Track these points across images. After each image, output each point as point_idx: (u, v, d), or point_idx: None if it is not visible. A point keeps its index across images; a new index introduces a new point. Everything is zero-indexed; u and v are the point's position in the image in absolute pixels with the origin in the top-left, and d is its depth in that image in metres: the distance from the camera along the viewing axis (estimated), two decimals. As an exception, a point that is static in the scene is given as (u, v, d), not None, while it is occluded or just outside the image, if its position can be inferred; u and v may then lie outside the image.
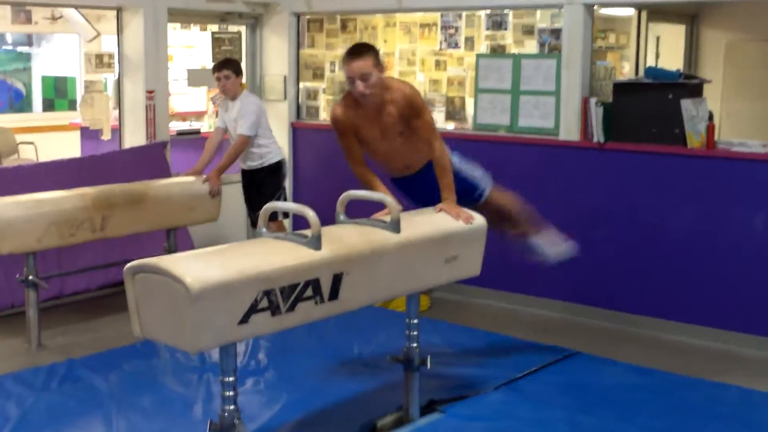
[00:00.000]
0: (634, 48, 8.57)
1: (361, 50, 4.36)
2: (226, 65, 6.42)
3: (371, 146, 4.58)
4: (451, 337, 5.64)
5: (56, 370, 5.00)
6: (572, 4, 6.21)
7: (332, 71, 7.81)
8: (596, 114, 6.09)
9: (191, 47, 9.67)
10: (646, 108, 5.98)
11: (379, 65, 4.36)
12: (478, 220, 4.43)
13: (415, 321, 4.30)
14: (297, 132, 7.79)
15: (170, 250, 6.12)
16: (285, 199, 6.67)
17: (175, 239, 6.27)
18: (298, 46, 7.83)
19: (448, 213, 4.33)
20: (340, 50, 7.74)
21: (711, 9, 9.03)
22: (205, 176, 6.29)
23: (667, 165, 5.88)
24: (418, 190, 4.76)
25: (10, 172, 6.31)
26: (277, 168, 6.58)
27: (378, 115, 4.46)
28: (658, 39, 8.93)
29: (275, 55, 7.85)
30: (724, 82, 8.68)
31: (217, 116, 6.85)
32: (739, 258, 5.68)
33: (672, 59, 8.74)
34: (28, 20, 11.50)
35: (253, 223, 6.63)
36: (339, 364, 5.20)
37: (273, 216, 6.37)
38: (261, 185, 6.51)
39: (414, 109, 4.44)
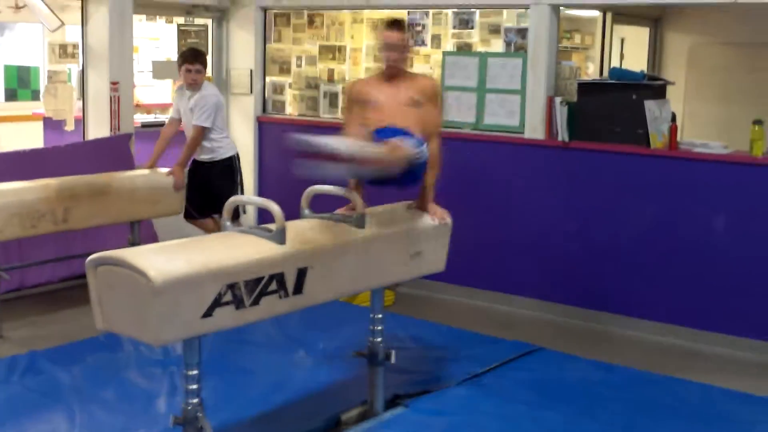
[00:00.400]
0: (599, 49, 8.63)
1: (397, 25, 4.50)
2: (199, 59, 6.34)
3: (372, 105, 4.45)
4: (415, 332, 5.66)
5: (18, 362, 4.95)
6: (538, 4, 6.25)
7: (299, 66, 7.79)
8: (561, 113, 6.15)
9: (157, 39, 9.59)
10: (610, 108, 6.04)
11: (407, 46, 4.52)
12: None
13: (380, 316, 4.32)
14: (263, 126, 7.77)
15: (134, 243, 6.08)
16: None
17: (139, 232, 6.23)
18: (265, 40, 7.81)
19: (425, 212, 4.37)
20: (307, 45, 7.74)
21: (674, 12, 9.13)
22: (168, 169, 6.25)
23: (631, 164, 5.95)
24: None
25: (-28, 163, 6.23)
26: (229, 164, 6.50)
27: (392, 85, 4.47)
28: (622, 41, 9.01)
29: (242, 48, 7.82)
30: (686, 84, 8.77)
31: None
32: (700, 256, 5.76)
33: (636, 61, 8.83)
34: (-9, 9, 11.33)
35: (186, 215, 6.54)
36: (303, 358, 5.20)
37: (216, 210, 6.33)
38: (210, 180, 6.42)
39: (430, 96, 4.46)
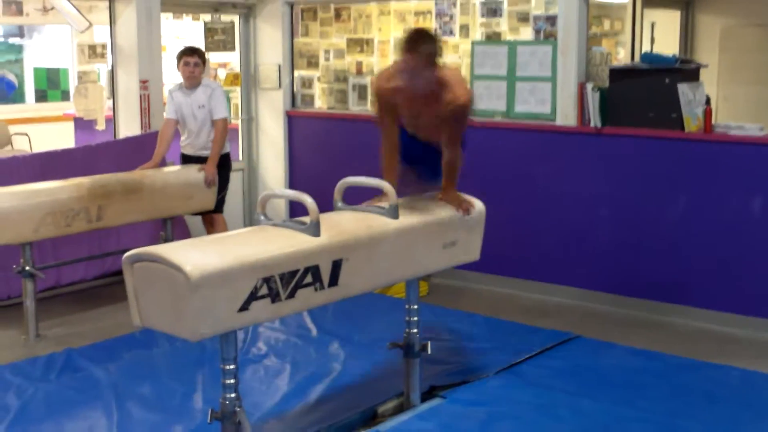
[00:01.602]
0: (629, 34, 8.53)
1: (414, 44, 4.06)
2: (197, 53, 6.41)
3: (406, 117, 4.35)
4: (450, 323, 5.63)
5: (55, 360, 4.98)
6: (567, -10, 6.19)
7: (326, 59, 7.78)
8: (593, 99, 6.08)
9: (183, 37, 9.61)
10: (643, 93, 5.97)
11: (431, 61, 4.07)
12: (477, 206, 4.41)
13: (415, 307, 4.29)
14: (292, 120, 7.76)
15: (167, 239, 6.11)
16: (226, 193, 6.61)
17: (172, 228, 6.25)
18: (292, 34, 7.80)
19: (449, 203, 4.29)
20: (335, 39, 7.72)
21: (706, -6, 9.04)
22: (200, 166, 6.27)
23: (665, 149, 5.88)
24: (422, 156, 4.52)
25: (5, 163, 6.27)
26: (226, 160, 6.54)
27: (418, 101, 4.20)
28: (653, 25, 8.91)
29: (269, 44, 7.81)
30: (719, 66, 8.66)
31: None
32: (738, 241, 5.67)
33: (667, 45, 8.72)
34: (19, 12, 11.42)
35: None
36: (339, 350, 5.19)
37: (215, 207, 6.36)
38: None
39: (454, 117, 4.19)
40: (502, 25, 7.06)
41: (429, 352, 4.30)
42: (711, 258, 5.77)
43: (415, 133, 4.43)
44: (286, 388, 4.64)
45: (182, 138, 6.57)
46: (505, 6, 6.96)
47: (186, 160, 6.52)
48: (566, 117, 6.25)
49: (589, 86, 6.10)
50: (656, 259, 5.96)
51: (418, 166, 4.54)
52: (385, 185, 4.02)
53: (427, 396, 4.47)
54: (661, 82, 5.88)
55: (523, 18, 6.91)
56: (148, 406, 4.42)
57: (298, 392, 4.58)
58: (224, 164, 6.47)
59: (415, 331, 4.29)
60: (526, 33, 6.84)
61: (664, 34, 9.02)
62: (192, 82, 6.35)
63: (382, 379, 4.73)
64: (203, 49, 7.38)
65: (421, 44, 4.05)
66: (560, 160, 6.31)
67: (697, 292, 5.83)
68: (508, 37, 6.97)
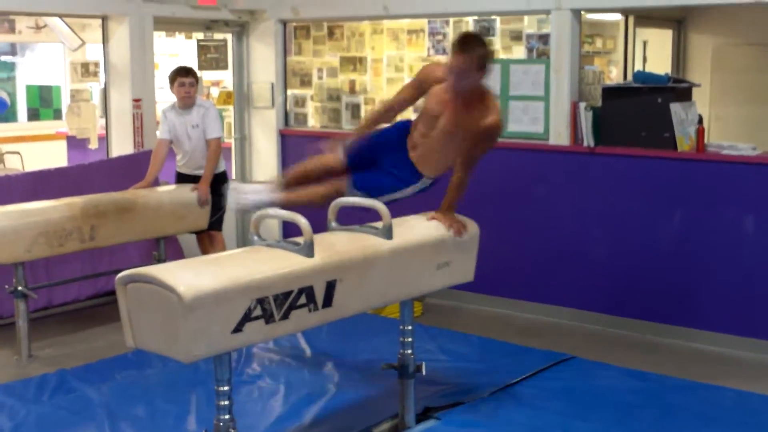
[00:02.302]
0: (622, 53, 8.58)
1: (465, 46, 4.10)
2: (191, 73, 6.42)
3: (426, 114, 4.34)
4: (444, 343, 5.61)
5: (47, 381, 4.95)
6: (560, 9, 6.21)
7: (320, 78, 7.79)
8: (586, 118, 6.09)
9: (176, 55, 9.62)
10: (636, 112, 5.98)
11: (481, 65, 4.10)
12: (471, 227, 4.41)
13: (410, 327, 4.28)
14: (285, 139, 7.76)
15: (160, 259, 6.09)
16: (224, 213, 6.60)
17: (165, 248, 6.23)
18: (285, 53, 7.81)
19: (441, 222, 4.27)
20: (328, 57, 7.73)
21: (698, 13, 9.06)
22: (193, 185, 6.25)
23: (658, 168, 5.89)
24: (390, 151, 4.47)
25: (-3, 182, 6.25)
26: (223, 179, 6.55)
27: (454, 102, 4.20)
28: (645, 44, 8.95)
29: (262, 62, 7.82)
30: (711, 85, 8.70)
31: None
32: (732, 260, 5.68)
33: (659, 64, 8.76)
34: (12, 29, 11.42)
35: None
36: (333, 371, 5.16)
37: (212, 225, 6.35)
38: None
39: (484, 137, 4.21)
40: (495, 44, 7.08)
41: (424, 373, 4.27)
42: (705, 278, 5.77)
43: (419, 136, 4.37)
44: (280, 409, 4.62)
45: (178, 157, 6.56)
46: (498, 24, 6.99)
47: (182, 179, 6.51)
48: (559, 136, 6.26)
49: (582, 105, 6.12)
50: (650, 280, 5.95)
51: (369, 167, 4.45)
52: (378, 205, 4.01)
53: (421, 417, 4.45)
54: (654, 101, 5.90)
55: (516, 36, 6.93)
56: (142, 428, 4.39)
57: (292, 414, 4.56)
58: (222, 182, 6.47)
59: (409, 351, 4.28)
60: (519, 51, 6.86)
61: (656, 53, 9.07)
62: (187, 102, 6.35)
63: (377, 401, 4.71)
64: (196, 67, 7.39)
65: (473, 47, 4.08)
66: (553, 179, 6.32)
67: (692, 313, 5.82)
68: (501, 55, 6.99)
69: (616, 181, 6.06)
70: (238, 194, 4.41)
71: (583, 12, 6.34)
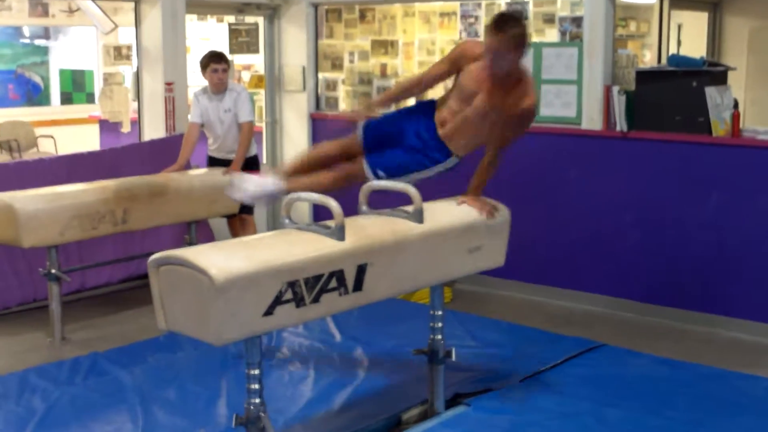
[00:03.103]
0: (656, 36, 8.46)
1: (502, 26, 4.02)
2: (224, 59, 6.42)
3: (459, 93, 4.23)
4: (474, 330, 5.59)
5: (80, 363, 4.99)
6: (594, -8, 6.14)
7: (351, 62, 7.77)
8: (619, 102, 6.03)
9: (208, 39, 9.64)
10: (670, 96, 5.91)
11: (519, 45, 4.04)
12: (502, 211, 4.38)
13: (440, 313, 4.27)
14: (316, 123, 7.75)
15: (191, 243, 6.11)
16: None
17: (196, 232, 6.25)
18: (317, 36, 7.79)
19: (472, 206, 4.23)
20: (359, 40, 7.70)
21: (733, -5, 8.94)
22: (225, 169, 6.27)
23: (692, 153, 5.82)
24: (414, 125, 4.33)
25: (31, 166, 6.31)
26: (254, 161, 6.57)
27: (490, 82, 4.12)
28: (680, 27, 8.84)
29: (294, 45, 7.81)
30: (747, 69, 8.57)
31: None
32: (765, 247, 5.60)
33: (694, 47, 8.64)
34: (45, 13, 11.50)
35: None
36: (362, 356, 5.17)
37: (243, 209, 6.34)
38: None
39: (520, 119, 4.16)
40: (528, 27, 7.02)
41: (453, 358, 4.26)
42: (739, 265, 5.70)
43: (450, 113, 4.25)
44: (309, 393, 4.63)
45: (209, 141, 6.58)
46: (531, 7, 6.94)
47: (213, 162, 6.54)
48: (592, 120, 6.20)
49: (615, 89, 6.05)
50: (683, 267, 5.89)
51: (389, 145, 4.31)
52: (410, 189, 3.98)
53: (451, 403, 4.44)
54: (688, 85, 5.82)
55: (549, 19, 6.88)
56: (173, 411, 4.42)
57: (321, 398, 4.56)
58: (253, 165, 6.48)
59: (439, 337, 4.26)
60: (552, 35, 6.81)
61: (691, 36, 8.94)
62: (219, 87, 6.36)
63: (406, 386, 4.71)
64: (227, 51, 7.39)
65: (509, 27, 4.01)
66: (586, 164, 6.26)
67: (725, 301, 5.76)
68: (534, 38, 6.94)
69: (650, 166, 5.99)
70: (237, 188, 4.20)
71: (617, -5, 6.26)
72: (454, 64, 4.28)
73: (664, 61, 7.91)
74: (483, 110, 4.17)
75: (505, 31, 4.01)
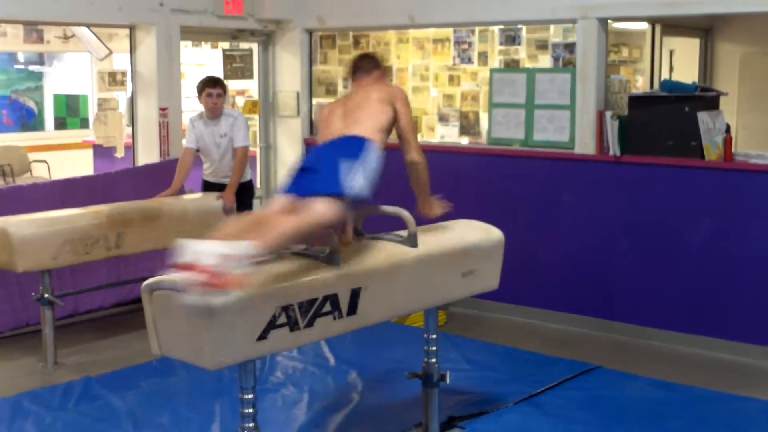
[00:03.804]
0: (648, 62, 8.52)
1: (369, 67, 4.29)
2: (219, 84, 6.43)
3: (332, 115, 4.08)
4: (468, 352, 5.59)
5: (73, 388, 4.97)
6: (586, 18, 6.19)
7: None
8: (612, 127, 6.06)
9: (202, 65, 9.68)
10: (663, 121, 5.94)
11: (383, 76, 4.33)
12: (496, 233, 4.39)
13: (434, 336, 4.26)
14: (310, 148, 7.77)
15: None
16: None
17: (190, 256, 6.23)
18: (311, 62, 7.83)
19: (430, 215, 4.18)
20: (353, 66, 7.72)
21: (725, 22, 8.99)
22: (219, 194, 6.27)
23: (685, 178, 5.84)
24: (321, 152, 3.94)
25: (25, 191, 6.30)
26: (249, 186, 6.59)
27: (355, 98, 4.13)
28: (671, 52, 8.90)
29: (288, 71, 7.84)
30: (739, 94, 8.62)
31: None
32: (759, 271, 5.62)
33: (686, 73, 8.70)
34: (40, 39, 11.55)
35: None
36: (357, 380, 5.15)
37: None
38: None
39: (397, 101, 4.10)
40: (521, 53, 7.08)
41: (448, 381, 4.26)
42: (732, 288, 5.71)
43: (338, 119, 4.03)
44: (304, 417, 4.62)
45: (205, 166, 6.59)
46: (524, 33, 6.99)
47: (208, 187, 6.54)
48: (585, 145, 6.23)
49: (608, 114, 6.09)
50: (677, 290, 5.90)
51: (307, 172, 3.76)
52: (404, 213, 3.99)
53: (446, 426, 4.43)
54: (681, 110, 5.86)
55: (542, 45, 6.93)
56: (166, 435, 4.40)
57: (316, 422, 4.55)
58: (248, 190, 6.50)
59: (434, 360, 4.26)
60: (545, 60, 6.86)
61: (683, 62, 9.01)
62: (214, 112, 6.37)
63: (401, 409, 4.70)
64: (222, 76, 7.42)
65: (364, 64, 4.30)
66: (579, 188, 6.29)
67: (719, 323, 5.76)
68: (527, 64, 6.99)
69: (643, 190, 6.02)
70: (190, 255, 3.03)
71: (609, 21, 6.31)
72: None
73: (656, 86, 7.97)
74: (360, 101, 4.11)
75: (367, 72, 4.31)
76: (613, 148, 6.07)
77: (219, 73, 7.94)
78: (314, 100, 7.86)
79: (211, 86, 6.39)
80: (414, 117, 4.43)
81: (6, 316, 5.97)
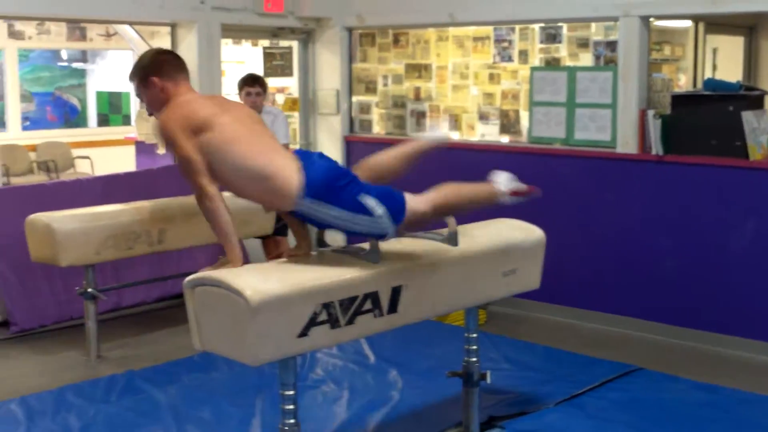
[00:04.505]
0: (691, 60, 8.44)
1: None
2: (259, 82, 6.47)
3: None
4: (509, 352, 5.57)
5: (115, 381, 5.03)
6: (628, 16, 6.13)
7: (385, 85, 7.80)
8: (654, 126, 6.00)
9: (242, 62, 9.73)
10: (706, 120, 5.88)
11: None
12: (537, 232, 4.36)
13: (475, 335, 4.25)
14: (350, 145, 7.79)
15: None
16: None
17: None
18: (351, 60, 7.84)
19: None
20: (393, 64, 7.74)
21: (770, 20, 8.88)
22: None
23: (728, 178, 5.77)
24: None
25: (69, 186, 6.40)
26: None
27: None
28: (715, 51, 8.80)
29: (328, 69, 7.87)
30: (784, 93, 8.50)
31: None
32: (805, 272, 5.54)
33: (730, 71, 8.59)
34: (83, 37, 11.69)
35: None
36: (397, 378, 5.15)
37: (277, 231, 6.35)
38: None
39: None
40: (562, 51, 7.03)
41: (489, 381, 4.24)
42: (777, 289, 5.64)
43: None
44: (344, 415, 4.62)
45: None
46: (565, 31, 6.94)
47: None
48: (627, 144, 6.18)
49: (651, 113, 6.03)
50: (721, 291, 5.83)
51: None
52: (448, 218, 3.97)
53: (486, 426, 4.41)
54: (725, 109, 5.79)
55: (583, 44, 6.87)
56: (207, 430, 4.43)
57: (355, 420, 4.56)
58: None
59: (474, 359, 4.25)
60: (586, 59, 6.80)
61: (726, 61, 8.89)
62: (254, 110, 6.40)
63: (441, 408, 4.69)
64: (262, 74, 7.46)
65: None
66: (621, 188, 6.23)
67: (762, 325, 5.69)
68: (568, 62, 6.94)
69: (685, 190, 5.95)
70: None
71: (651, 19, 6.25)
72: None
73: (699, 85, 7.89)
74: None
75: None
76: (656, 148, 6.01)
77: (259, 71, 7.99)
78: (354, 98, 7.87)
79: (250, 84, 6.43)
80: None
81: (50, 309, 6.06)
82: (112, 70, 12.35)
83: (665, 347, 5.89)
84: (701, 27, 8.23)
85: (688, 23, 8.22)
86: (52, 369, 5.39)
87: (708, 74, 8.48)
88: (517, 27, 7.12)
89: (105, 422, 4.52)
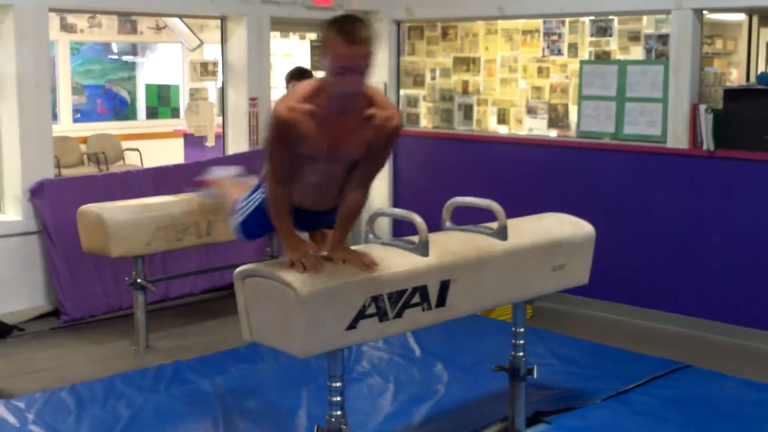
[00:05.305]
0: (743, 54, 8.31)
1: (363, 32, 3.13)
2: (306, 75, 6.46)
3: (308, 164, 3.37)
4: (555, 347, 5.53)
5: (164, 371, 5.08)
6: (680, 9, 6.05)
7: (433, 78, 7.78)
8: (706, 121, 5.92)
9: (290, 56, 9.78)
10: (759, 115, 5.78)
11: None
12: (586, 227, 4.33)
13: (522, 330, 4.23)
14: (398, 139, 7.76)
15: (273, 255, 6.18)
16: None
17: (278, 245, 6.32)
18: (399, 53, 7.83)
19: (353, 263, 3.34)
20: (441, 57, 7.72)
21: (824, 13, 8.71)
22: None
23: (782, 173, 5.68)
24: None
25: (119, 178, 6.47)
26: None
27: (342, 125, 3.28)
28: (768, 44, 8.66)
29: (375, 62, 7.83)
30: (839, 88, 8.33)
31: None
32: None
33: (784, 65, 8.47)
34: (134, 30, 11.82)
35: None
36: (443, 372, 5.15)
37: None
38: None
39: (390, 139, 3.38)
40: (612, 44, 6.96)
41: (535, 376, 4.22)
42: (831, 287, 5.54)
43: (313, 190, 3.54)
44: (389, 407, 4.63)
45: None
46: (615, 24, 6.87)
47: None
48: (677, 139, 6.10)
49: (703, 107, 5.95)
50: (771, 287, 5.75)
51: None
52: (494, 206, 3.97)
53: (532, 421, 4.39)
54: (779, 104, 5.70)
55: (634, 37, 6.80)
56: (255, 421, 4.47)
57: (401, 412, 4.56)
58: None
59: (521, 354, 4.23)
60: (637, 52, 6.73)
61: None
62: None
63: (487, 403, 4.68)
64: (309, 67, 7.48)
65: (369, 35, 3.18)
66: (671, 183, 6.16)
67: (816, 323, 5.60)
68: (618, 56, 6.87)
69: (737, 185, 5.87)
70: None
71: (705, 11, 6.16)
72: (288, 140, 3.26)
73: (752, 79, 7.76)
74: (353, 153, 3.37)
75: (361, 41, 3.13)
76: (707, 143, 5.93)
77: (306, 64, 8.02)
78: (402, 92, 7.87)
79: (297, 78, 6.44)
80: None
81: (100, 300, 6.14)
82: (161, 63, 12.46)
83: (714, 344, 5.81)
84: (755, 20, 8.10)
85: (741, 16, 8.10)
86: (102, 358, 5.46)
87: (761, 68, 8.34)
88: (567, 20, 7.05)
89: (153, 411, 4.57)
